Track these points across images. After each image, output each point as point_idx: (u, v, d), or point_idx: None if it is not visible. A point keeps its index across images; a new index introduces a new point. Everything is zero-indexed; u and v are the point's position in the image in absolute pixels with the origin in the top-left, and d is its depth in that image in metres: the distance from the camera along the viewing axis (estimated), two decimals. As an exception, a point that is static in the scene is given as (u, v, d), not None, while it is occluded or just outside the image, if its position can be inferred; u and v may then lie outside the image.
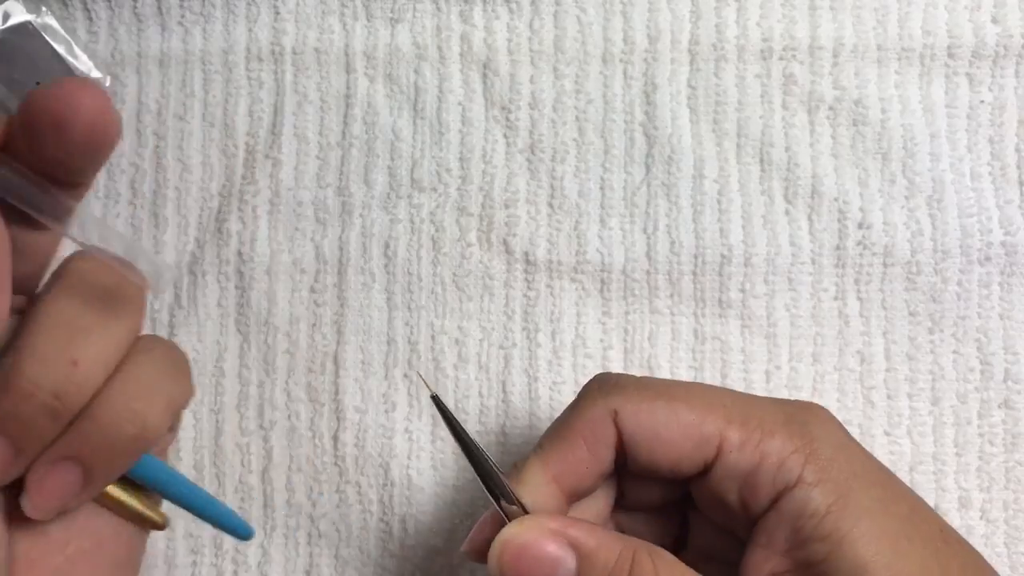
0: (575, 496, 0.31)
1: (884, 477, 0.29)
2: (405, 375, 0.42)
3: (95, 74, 0.43)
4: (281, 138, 0.43)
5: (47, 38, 0.43)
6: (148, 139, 0.43)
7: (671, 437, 0.29)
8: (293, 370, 0.42)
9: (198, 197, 0.43)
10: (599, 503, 0.32)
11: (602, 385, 0.31)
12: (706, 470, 0.29)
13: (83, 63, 0.43)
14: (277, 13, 0.44)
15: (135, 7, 0.44)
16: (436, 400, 0.29)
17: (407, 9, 0.43)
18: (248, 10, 0.44)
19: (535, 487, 0.29)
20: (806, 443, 0.28)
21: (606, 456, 0.30)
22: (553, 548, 0.28)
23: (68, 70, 0.43)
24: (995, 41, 0.42)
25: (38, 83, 0.43)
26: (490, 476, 0.29)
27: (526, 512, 0.29)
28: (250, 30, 0.44)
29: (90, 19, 0.44)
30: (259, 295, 0.42)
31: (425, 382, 0.41)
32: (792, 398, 0.33)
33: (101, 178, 0.43)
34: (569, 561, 0.27)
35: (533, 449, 0.30)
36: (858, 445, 0.30)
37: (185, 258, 0.43)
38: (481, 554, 0.30)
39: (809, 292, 0.42)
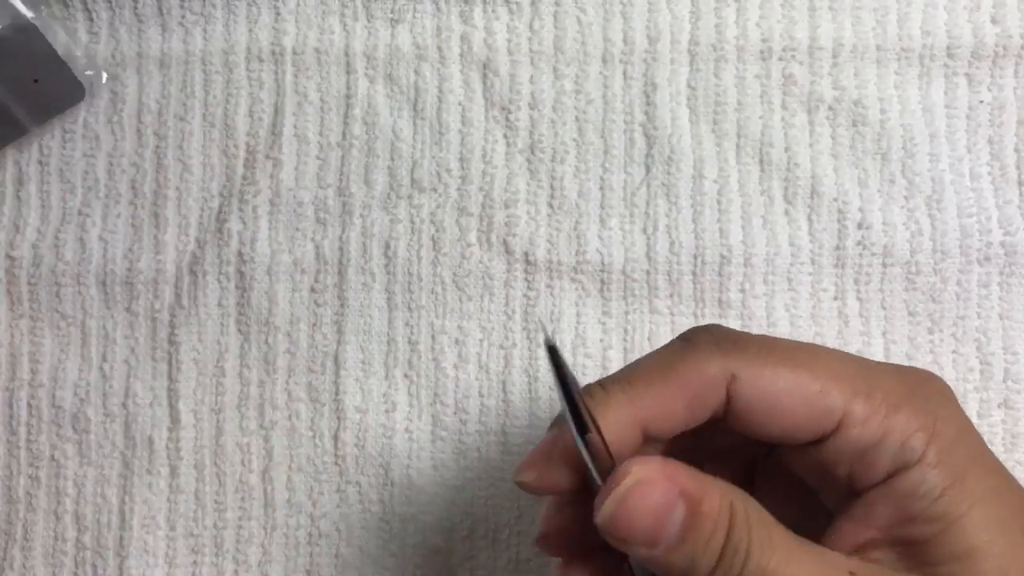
0: (649, 441, 0.28)
1: (998, 465, 0.28)
2: (406, 375, 0.42)
3: (90, 72, 0.43)
4: (281, 138, 0.43)
5: (46, 38, 0.43)
6: (149, 139, 0.44)
7: (792, 406, 0.27)
8: (293, 370, 0.42)
9: (199, 197, 0.43)
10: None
11: (720, 341, 0.28)
12: (820, 440, 0.27)
13: (81, 63, 0.43)
14: (278, 14, 0.44)
15: (136, 7, 0.44)
16: (551, 349, 0.26)
17: (407, 10, 0.44)
18: (249, 11, 0.44)
19: (617, 430, 0.27)
20: (930, 421, 0.27)
21: (702, 418, 0.28)
22: (668, 496, 0.25)
23: (66, 70, 0.43)
24: (994, 41, 0.42)
25: (36, 80, 0.43)
26: (582, 418, 0.26)
27: (611, 456, 0.26)
28: (251, 30, 0.44)
29: (91, 19, 0.44)
30: (259, 295, 0.42)
31: (543, 327, 0.40)
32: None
33: (102, 178, 0.43)
34: (679, 511, 0.25)
35: (615, 380, 0.28)
36: (974, 428, 0.28)
37: (186, 258, 0.43)
38: (543, 483, 0.28)
39: (808, 292, 0.42)
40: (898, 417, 0.27)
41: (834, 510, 0.28)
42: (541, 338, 0.39)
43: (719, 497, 0.26)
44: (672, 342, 0.29)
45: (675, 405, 0.27)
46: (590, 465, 0.26)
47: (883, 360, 0.41)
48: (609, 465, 0.26)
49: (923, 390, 0.28)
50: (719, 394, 0.27)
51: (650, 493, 0.25)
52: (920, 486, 0.26)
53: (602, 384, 0.28)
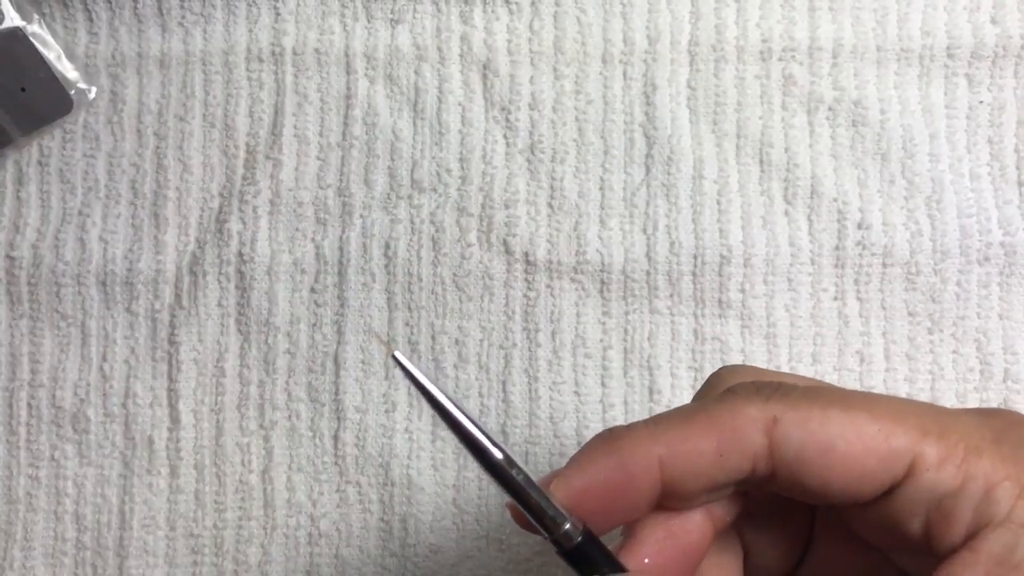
0: (675, 496, 0.24)
1: None
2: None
3: (82, 84, 0.43)
4: (281, 139, 0.43)
5: (36, 45, 0.43)
6: (149, 140, 0.44)
7: (850, 452, 0.23)
8: (293, 370, 0.42)
9: (199, 197, 0.43)
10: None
11: (760, 387, 0.24)
12: (888, 493, 0.24)
13: (71, 72, 0.43)
14: (277, 14, 0.44)
15: (136, 8, 0.44)
16: (396, 360, 0.23)
17: (407, 10, 0.44)
18: (248, 11, 0.44)
19: (636, 457, 0.24)
20: (1021, 470, 0.23)
21: (737, 467, 0.24)
22: None
23: (55, 78, 0.43)
24: (994, 42, 0.42)
25: (23, 89, 0.43)
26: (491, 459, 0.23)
27: (555, 511, 0.23)
28: (250, 31, 0.44)
29: (91, 20, 0.44)
30: (260, 295, 0.42)
31: (381, 340, 0.39)
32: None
33: (102, 178, 0.43)
34: None
35: (640, 421, 0.25)
36: None
37: (186, 258, 0.43)
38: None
39: (808, 292, 0.42)
40: (980, 462, 0.23)
41: (909, 571, 0.25)
42: (385, 351, 0.36)
43: None
44: (710, 389, 0.26)
45: (703, 444, 0.24)
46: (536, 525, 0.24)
47: (884, 362, 0.41)
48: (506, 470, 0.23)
49: (1012, 434, 0.24)
50: (758, 439, 0.24)
51: None
52: (1012, 552, 0.22)
53: (624, 425, 0.25)
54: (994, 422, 0.24)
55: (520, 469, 0.24)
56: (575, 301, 0.42)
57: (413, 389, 0.24)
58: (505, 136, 0.43)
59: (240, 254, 0.43)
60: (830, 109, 0.42)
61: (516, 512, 0.24)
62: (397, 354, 0.23)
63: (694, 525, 0.25)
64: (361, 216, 0.43)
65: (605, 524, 0.25)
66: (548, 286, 0.42)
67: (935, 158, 0.42)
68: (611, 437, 0.25)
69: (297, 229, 0.43)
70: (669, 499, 0.25)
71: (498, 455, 0.24)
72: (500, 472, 0.24)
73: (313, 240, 0.43)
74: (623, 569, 0.24)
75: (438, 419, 0.24)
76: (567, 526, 0.24)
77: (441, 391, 0.24)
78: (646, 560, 0.25)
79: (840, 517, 0.26)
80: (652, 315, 0.42)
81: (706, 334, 0.42)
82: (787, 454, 0.23)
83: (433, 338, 0.42)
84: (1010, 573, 0.22)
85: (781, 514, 0.27)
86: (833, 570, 0.27)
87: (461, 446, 0.24)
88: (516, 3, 0.43)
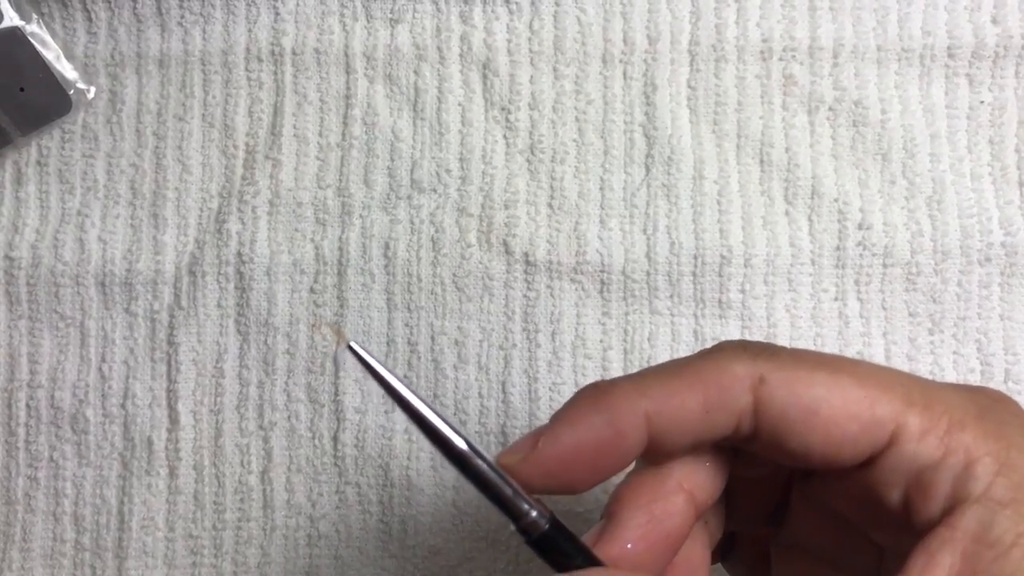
0: (659, 451, 0.24)
1: None
2: (405, 376, 0.42)
3: (81, 84, 0.43)
4: (281, 139, 0.43)
5: (35, 45, 0.43)
6: (148, 140, 0.44)
7: (834, 415, 0.23)
8: (293, 371, 0.42)
9: (198, 198, 0.43)
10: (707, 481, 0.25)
11: (747, 346, 0.24)
12: (868, 462, 0.23)
13: (70, 72, 0.43)
14: (277, 14, 0.44)
15: (135, 7, 0.44)
16: (354, 351, 0.23)
17: (407, 10, 0.43)
18: (248, 11, 0.44)
19: (624, 414, 0.23)
20: (1002, 447, 0.22)
21: (722, 424, 0.24)
22: None
23: (54, 78, 0.43)
24: (995, 42, 0.42)
25: (22, 89, 0.42)
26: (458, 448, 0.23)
27: (520, 498, 0.23)
28: (250, 31, 0.44)
29: (90, 20, 0.44)
30: (259, 296, 0.42)
31: (333, 328, 0.38)
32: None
33: (101, 179, 0.43)
34: None
35: (624, 376, 0.25)
36: None
37: (185, 259, 0.43)
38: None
39: (809, 293, 0.42)
40: (962, 436, 0.23)
41: (885, 545, 0.25)
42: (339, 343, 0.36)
43: None
44: (701, 352, 0.26)
45: (689, 400, 0.24)
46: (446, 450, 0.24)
47: (884, 362, 0.41)
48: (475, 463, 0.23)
49: (995, 411, 0.24)
50: (743, 397, 0.23)
51: None
52: (987, 531, 0.22)
53: (609, 380, 0.25)
54: (979, 398, 0.24)
55: (483, 456, 0.24)
56: (575, 302, 0.42)
57: (372, 380, 0.23)
58: (505, 136, 0.43)
59: (239, 254, 0.43)
60: (831, 109, 0.42)
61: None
62: (353, 345, 0.23)
63: (676, 509, 0.25)
64: (360, 216, 0.43)
65: (589, 480, 0.25)
66: (548, 286, 0.42)
67: (936, 158, 0.42)
68: (598, 392, 0.24)
69: (296, 229, 0.43)
70: (651, 454, 0.25)
71: (460, 444, 0.23)
72: (462, 460, 0.24)
73: (312, 240, 0.43)
74: (593, 557, 0.24)
75: (398, 408, 0.24)
76: (533, 514, 0.24)
77: (397, 378, 0.23)
78: (628, 545, 0.24)
79: (818, 492, 0.26)
80: (652, 316, 0.42)
81: (706, 335, 0.41)
82: (771, 414, 0.23)
83: (432, 339, 0.42)
84: (986, 551, 0.22)
85: (745, 493, 0.27)
86: (810, 543, 0.27)
87: (422, 435, 0.24)
88: (516, 3, 0.43)
